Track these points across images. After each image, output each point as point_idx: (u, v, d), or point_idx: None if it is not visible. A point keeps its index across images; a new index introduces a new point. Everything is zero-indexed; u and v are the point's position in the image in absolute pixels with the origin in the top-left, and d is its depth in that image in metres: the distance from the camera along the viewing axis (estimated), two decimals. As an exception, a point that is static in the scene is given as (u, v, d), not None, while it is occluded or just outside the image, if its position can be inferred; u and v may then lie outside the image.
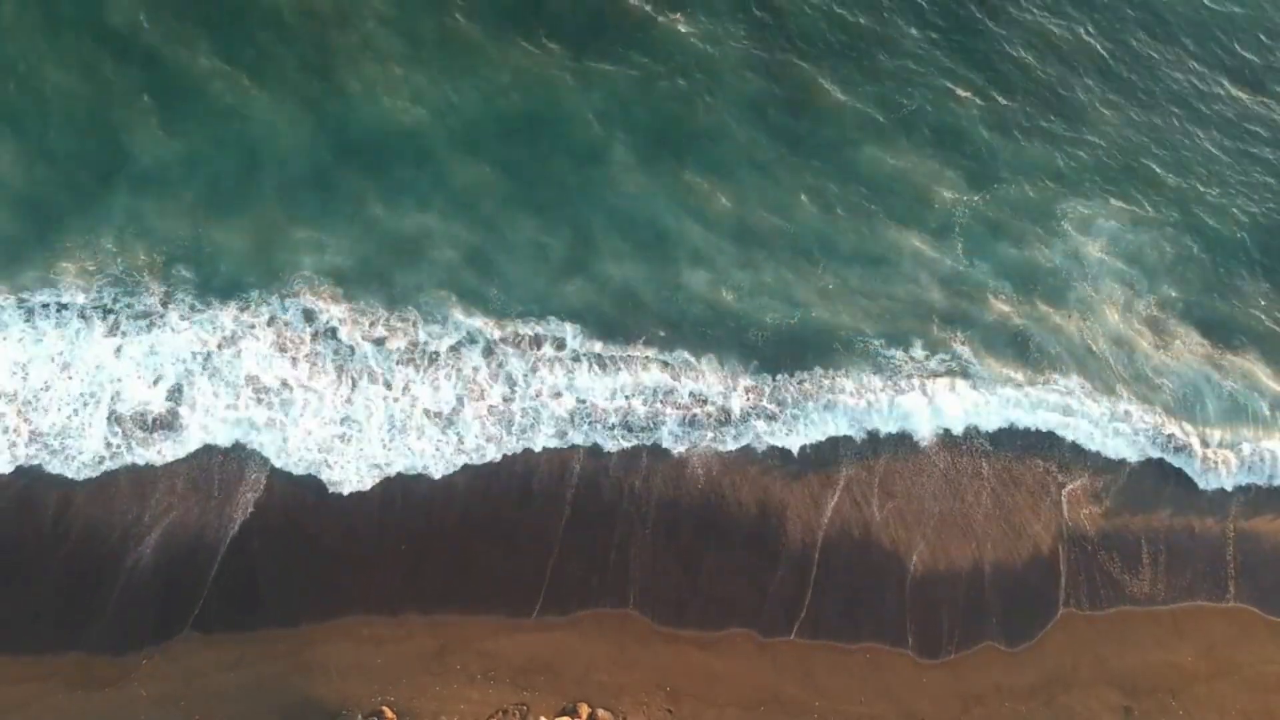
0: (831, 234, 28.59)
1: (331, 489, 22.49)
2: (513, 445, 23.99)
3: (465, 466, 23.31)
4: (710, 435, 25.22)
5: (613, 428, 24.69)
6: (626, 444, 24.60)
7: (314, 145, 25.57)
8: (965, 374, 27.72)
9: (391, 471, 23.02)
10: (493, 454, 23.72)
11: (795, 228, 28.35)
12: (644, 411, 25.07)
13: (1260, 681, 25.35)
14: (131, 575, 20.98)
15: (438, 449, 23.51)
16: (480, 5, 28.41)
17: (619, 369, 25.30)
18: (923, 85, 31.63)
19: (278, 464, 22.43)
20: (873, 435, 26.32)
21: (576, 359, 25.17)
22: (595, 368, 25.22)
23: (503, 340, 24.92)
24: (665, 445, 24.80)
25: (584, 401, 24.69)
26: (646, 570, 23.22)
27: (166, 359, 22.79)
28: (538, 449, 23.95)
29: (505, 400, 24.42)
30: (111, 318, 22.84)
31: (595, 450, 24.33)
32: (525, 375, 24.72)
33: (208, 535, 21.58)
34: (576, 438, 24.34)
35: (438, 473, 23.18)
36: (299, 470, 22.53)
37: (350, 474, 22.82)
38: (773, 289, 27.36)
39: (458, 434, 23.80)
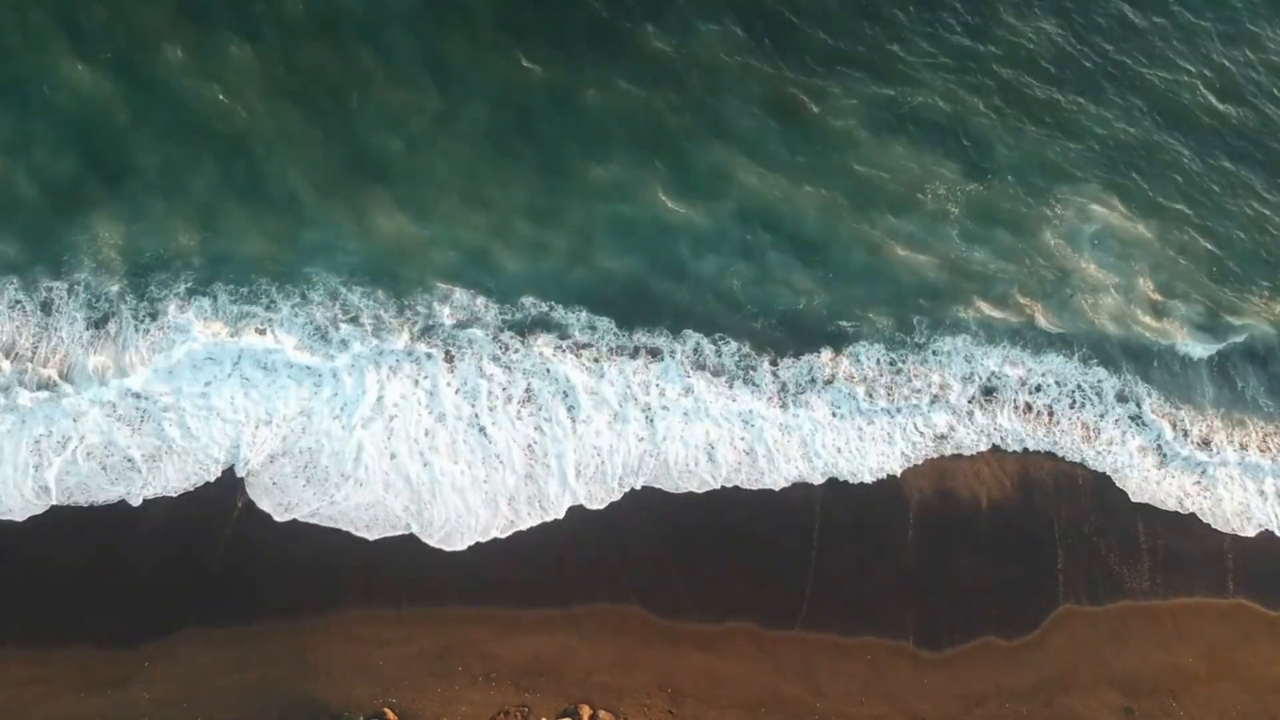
0: (832, 223, 28.47)
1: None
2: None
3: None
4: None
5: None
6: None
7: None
8: (968, 365, 27.67)
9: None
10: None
11: (798, 218, 28.30)
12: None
13: (1260, 682, 25.36)
14: (135, 573, 21.06)
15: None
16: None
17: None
18: (920, 82, 31.37)
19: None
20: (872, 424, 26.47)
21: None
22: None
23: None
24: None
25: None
26: (648, 566, 23.27)
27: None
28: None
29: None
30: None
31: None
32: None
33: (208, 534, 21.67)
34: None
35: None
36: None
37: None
38: (776, 276, 27.38)
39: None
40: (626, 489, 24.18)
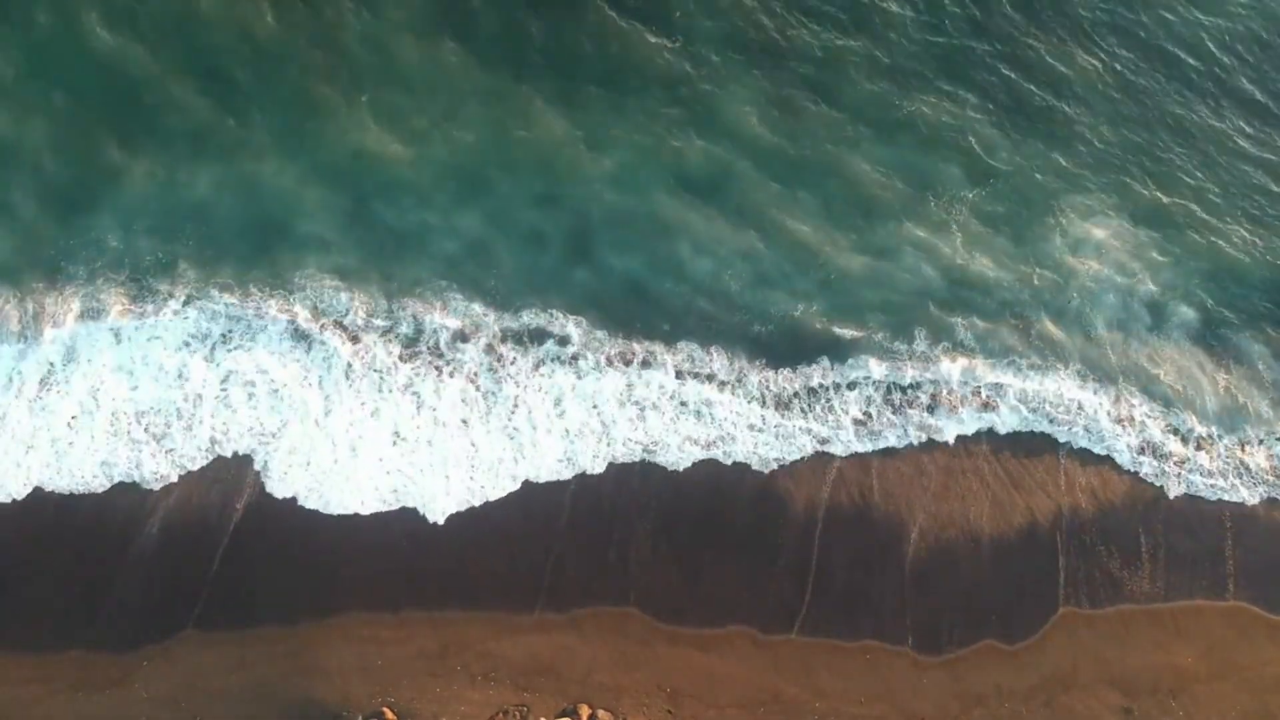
0: (832, 228, 28.61)
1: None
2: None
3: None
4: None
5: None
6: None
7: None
8: (967, 369, 27.77)
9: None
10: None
11: (796, 222, 28.43)
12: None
13: (1260, 682, 25.34)
14: (134, 573, 21.09)
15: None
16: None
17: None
18: (921, 84, 31.61)
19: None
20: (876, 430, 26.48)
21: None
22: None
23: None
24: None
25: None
26: (647, 569, 23.27)
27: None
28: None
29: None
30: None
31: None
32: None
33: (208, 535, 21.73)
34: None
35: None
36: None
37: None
38: (776, 282, 27.47)
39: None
40: (618, 463, 24.42)
